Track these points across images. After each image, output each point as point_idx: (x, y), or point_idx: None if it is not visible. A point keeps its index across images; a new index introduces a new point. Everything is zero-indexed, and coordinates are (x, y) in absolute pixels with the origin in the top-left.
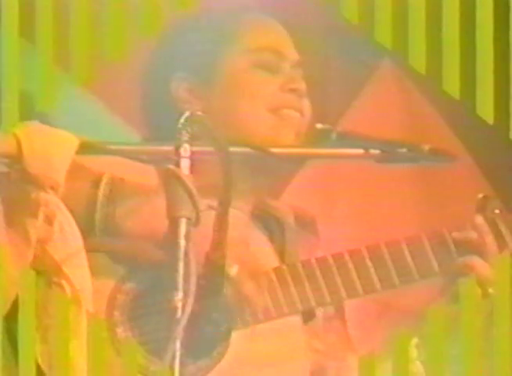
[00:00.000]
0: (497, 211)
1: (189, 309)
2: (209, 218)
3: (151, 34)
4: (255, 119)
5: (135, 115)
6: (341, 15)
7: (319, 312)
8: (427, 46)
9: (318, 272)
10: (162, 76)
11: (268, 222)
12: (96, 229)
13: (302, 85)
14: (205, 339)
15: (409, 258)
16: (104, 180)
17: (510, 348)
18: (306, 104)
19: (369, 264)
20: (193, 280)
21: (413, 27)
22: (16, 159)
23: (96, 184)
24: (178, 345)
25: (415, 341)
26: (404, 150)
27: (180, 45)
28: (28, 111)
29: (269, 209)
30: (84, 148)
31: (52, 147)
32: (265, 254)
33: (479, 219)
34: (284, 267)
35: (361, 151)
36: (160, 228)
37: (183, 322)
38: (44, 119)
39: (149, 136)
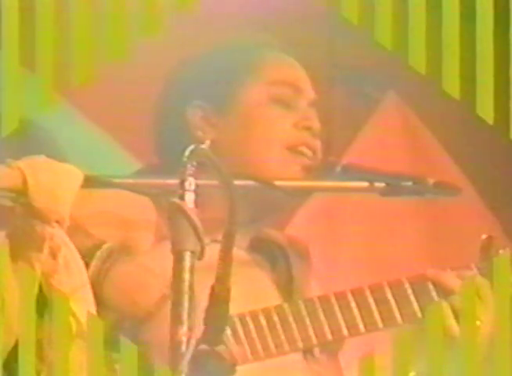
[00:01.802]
0: (501, 252)
1: (193, 343)
2: (213, 251)
3: (151, 35)
4: (266, 154)
5: (143, 146)
6: (342, 17)
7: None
8: (427, 46)
9: (319, 311)
10: (178, 103)
11: (270, 249)
12: None
13: (317, 124)
14: (210, 373)
15: (411, 298)
16: (101, 249)
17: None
18: (319, 144)
19: (372, 302)
20: (198, 313)
21: (413, 27)
22: (21, 193)
23: (93, 251)
24: None
25: (412, 374)
26: (409, 183)
27: (198, 73)
28: (28, 139)
29: (269, 237)
30: (89, 182)
31: (57, 181)
32: (265, 291)
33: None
34: (285, 305)
35: (365, 184)
36: (143, 306)
37: (188, 356)
38: (50, 153)
39: (161, 163)
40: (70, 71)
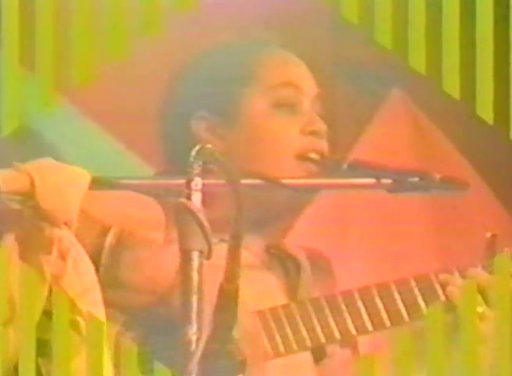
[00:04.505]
0: (506, 250)
1: (203, 343)
2: (221, 250)
3: (151, 35)
4: (276, 165)
5: (150, 150)
6: (342, 17)
7: (334, 353)
8: (427, 46)
9: (327, 309)
10: (182, 113)
11: (284, 259)
12: (99, 281)
13: (322, 126)
14: (220, 372)
15: (418, 296)
16: (111, 232)
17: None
18: (325, 146)
19: (379, 301)
20: (207, 313)
21: (413, 27)
22: (29, 196)
23: (103, 236)
24: None
25: None
26: (415, 179)
27: (201, 82)
28: (30, 142)
29: (285, 248)
30: (97, 183)
31: (64, 183)
32: (273, 294)
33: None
34: (293, 304)
35: (372, 181)
36: (163, 283)
37: (198, 355)
38: (55, 155)
39: (167, 171)
40: (70, 71)
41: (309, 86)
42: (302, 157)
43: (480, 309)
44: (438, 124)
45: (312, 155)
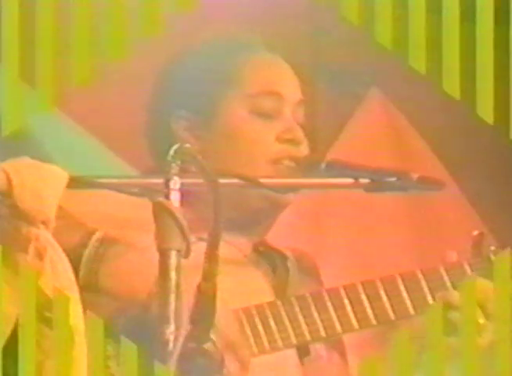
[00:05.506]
0: (492, 248)
1: (181, 341)
2: (199, 250)
3: (151, 35)
4: (250, 170)
5: (135, 151)
6: (341, 15)
7: (321, 351)
8: (427, 46)
9: (312, 307)
10: (164, 112)
11: (272, 256)
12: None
13: (299, 134)
14: (198, 371)
15: (404, 294)
16: (95, 237)
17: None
18: (302, 151)
19: (365, 299)
20: (185, 312)
21: (413, 27)
22: (5, 194)
23: (86, 239)
24: None
25: None
26: (393, 178)
27: (184, 82)
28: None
29: (272, 245)
30: (74, 182)
31: (42, 182)
32: (260, 291)
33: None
34: (278, 301)
35: (350, 180)
36: (142, 290)
37: (175, 354)
38: (36, 155)
39: (151, 171)
40: (70, 71)
41: (292, 93)
42: (276, 163)
43: (481, 321)
44: (415, 122)
45: (286, 162)
